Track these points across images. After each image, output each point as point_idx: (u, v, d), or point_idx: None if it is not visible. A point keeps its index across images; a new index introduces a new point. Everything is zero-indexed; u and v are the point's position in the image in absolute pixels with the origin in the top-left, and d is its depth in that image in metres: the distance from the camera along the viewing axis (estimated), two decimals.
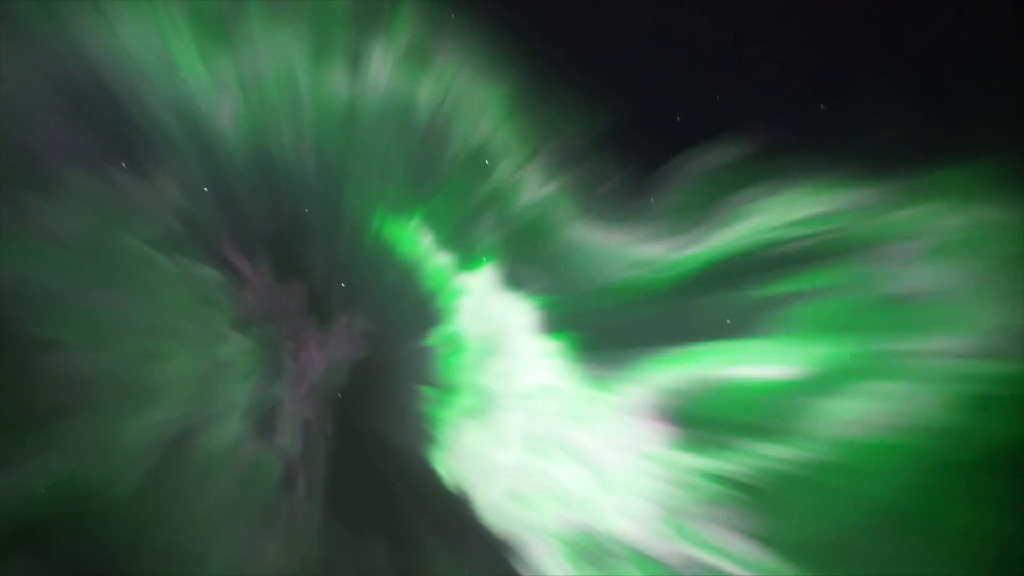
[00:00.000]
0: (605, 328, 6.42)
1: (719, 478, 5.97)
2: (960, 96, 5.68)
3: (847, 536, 5.58)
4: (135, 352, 5.92)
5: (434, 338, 6.68)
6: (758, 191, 5.94)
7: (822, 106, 6.10)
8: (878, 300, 5.74)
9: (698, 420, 6.13)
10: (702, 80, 6.17)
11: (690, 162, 6.06)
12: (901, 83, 5.80)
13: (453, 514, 6.37)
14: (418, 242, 6.51)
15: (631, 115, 6.20)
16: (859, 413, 5.72)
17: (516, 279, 6.49)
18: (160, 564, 5.84)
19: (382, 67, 6.08)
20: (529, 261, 6.48)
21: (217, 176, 6.08)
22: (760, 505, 5.84)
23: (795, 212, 5.90)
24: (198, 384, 6.12)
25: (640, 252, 6.27)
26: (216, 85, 5.83)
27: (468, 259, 6.51)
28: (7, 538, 5.52)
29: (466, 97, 6.17)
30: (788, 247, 5.95)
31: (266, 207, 6.30)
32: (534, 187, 6.34)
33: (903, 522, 5.47)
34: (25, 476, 5.50)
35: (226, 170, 6.09)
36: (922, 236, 5.62)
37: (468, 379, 6.62)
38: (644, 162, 6.17)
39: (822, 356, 5.82)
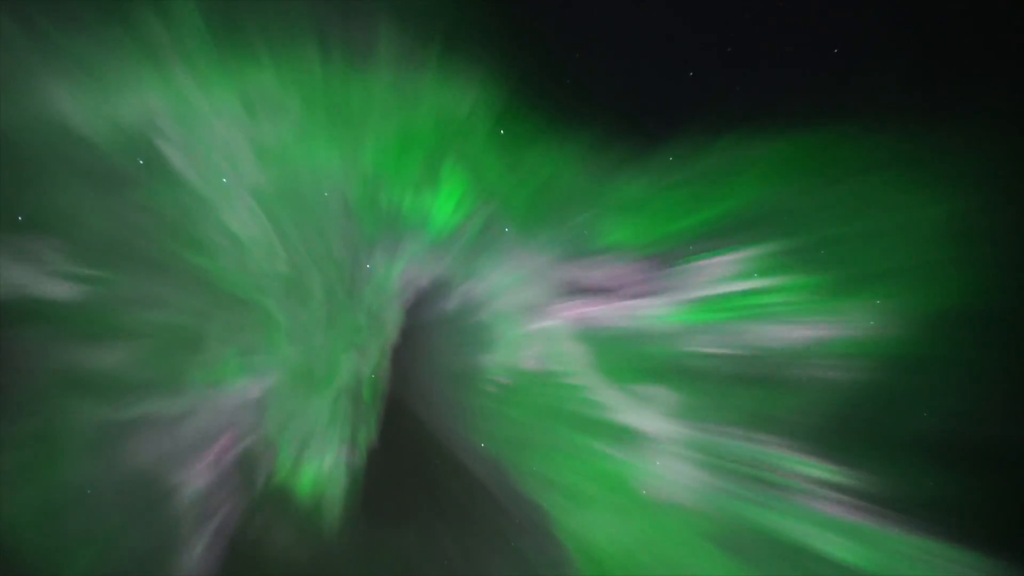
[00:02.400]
0: (619, 288, 6.54)
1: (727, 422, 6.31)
2: (962, 41, 5.64)
3: None
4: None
5: (461, 313, 6.84)
6: (769, 142, 5.97)
7: (835, 50, 6.07)
8: (881, 244, 5.90)
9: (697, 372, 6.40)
10: (713, 33, 6.07)
11: (705, 116, 6.03)
12: (906, 30, 5.75)
13: (494, 485, 6.65)
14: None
15: (642, 71, 6.16)
16: None
17: (533, 246, 6.55)
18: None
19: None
20: (544, 227, 6.52)
21: None
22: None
23: (804, 163, 5.95)
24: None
25: (657, 210, 6.34)
26: None
27: (486, 229, 6.57)
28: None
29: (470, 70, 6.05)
30: (797, 197, 6.03)
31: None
32: (545, 154, 6.30)
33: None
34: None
35: None
36: (917, 183, 5.70)
37: (498, 353, 6.81)
38: (658, 119, 6.16)
39: (837, 302, 6.04)
